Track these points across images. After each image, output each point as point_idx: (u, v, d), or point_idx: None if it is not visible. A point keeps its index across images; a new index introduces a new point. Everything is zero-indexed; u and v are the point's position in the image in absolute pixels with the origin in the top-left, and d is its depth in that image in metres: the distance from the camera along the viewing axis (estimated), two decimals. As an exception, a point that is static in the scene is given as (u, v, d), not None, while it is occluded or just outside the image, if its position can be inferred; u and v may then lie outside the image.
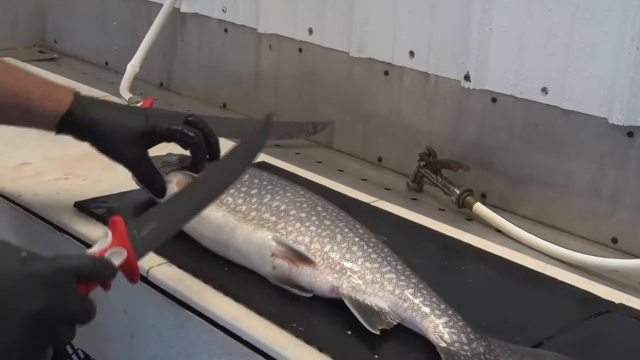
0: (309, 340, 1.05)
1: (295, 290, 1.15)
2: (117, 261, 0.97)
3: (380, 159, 1.87)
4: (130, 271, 0.99)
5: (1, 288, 0.85)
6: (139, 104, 1.87)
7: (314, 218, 1.20)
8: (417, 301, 1.08)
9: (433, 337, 1.04)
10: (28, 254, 0.89)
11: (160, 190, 1.33)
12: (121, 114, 1.31)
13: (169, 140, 1.31)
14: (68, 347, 2.00)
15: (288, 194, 1.26)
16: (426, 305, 1.07)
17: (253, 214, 1.23)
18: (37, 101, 1.26)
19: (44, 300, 0.86)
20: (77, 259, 0.94)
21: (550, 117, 1.56)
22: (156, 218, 1.04)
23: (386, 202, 1.54)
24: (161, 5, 2.21)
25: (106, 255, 0.96)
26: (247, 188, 1.28)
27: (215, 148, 1.33)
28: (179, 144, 1.32)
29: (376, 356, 1.03)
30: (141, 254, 1.00)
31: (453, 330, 1.04)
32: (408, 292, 1.09)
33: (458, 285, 1.27)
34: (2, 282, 0.85)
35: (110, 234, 0.98)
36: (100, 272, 0.94)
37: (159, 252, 1.26)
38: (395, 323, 1.07)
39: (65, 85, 1.32)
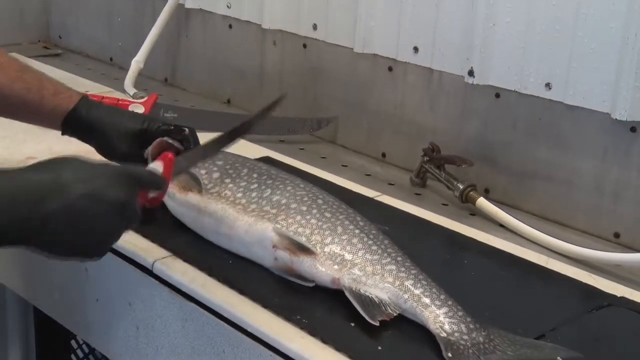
0: (312, 332, 1.06)
1: (298, 280, 1.16)
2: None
3: (384, 155, 1.87)
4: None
5: (100, 182, 1.04)
6: (143, 99, 1.89)
7: (314, 211, 1.21)
8: (417, 292, 1.09)
9: (433, 327, 1.05)
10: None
11: None
12: (121, 114, 1.41)
13: (162, 137, 1.35)
14: (73, 342, 2.02)
15: (288, 188, 1.26)
16: (426, 296, 1.08)
17: (253, 206, 1.24)
18: (50, 97, 1.37)
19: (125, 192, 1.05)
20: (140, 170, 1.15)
21: (554, 112, 1.56)
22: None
23: (390, 197, 1.55)
24: (165, 1, 2.21)
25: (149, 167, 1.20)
26: (247, 183, 1.28)
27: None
28: (171, 137, 1.35)
29: (379, 347, 1.04)
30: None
31: (453, 320, 1.05)
32: (408, 283, 1.10)
33: (461, 278, 1.27)
34: (100, 178, 1.04)
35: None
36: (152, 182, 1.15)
37: (163, 245, 1.27)
38: (395, 314, 1.08)
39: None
